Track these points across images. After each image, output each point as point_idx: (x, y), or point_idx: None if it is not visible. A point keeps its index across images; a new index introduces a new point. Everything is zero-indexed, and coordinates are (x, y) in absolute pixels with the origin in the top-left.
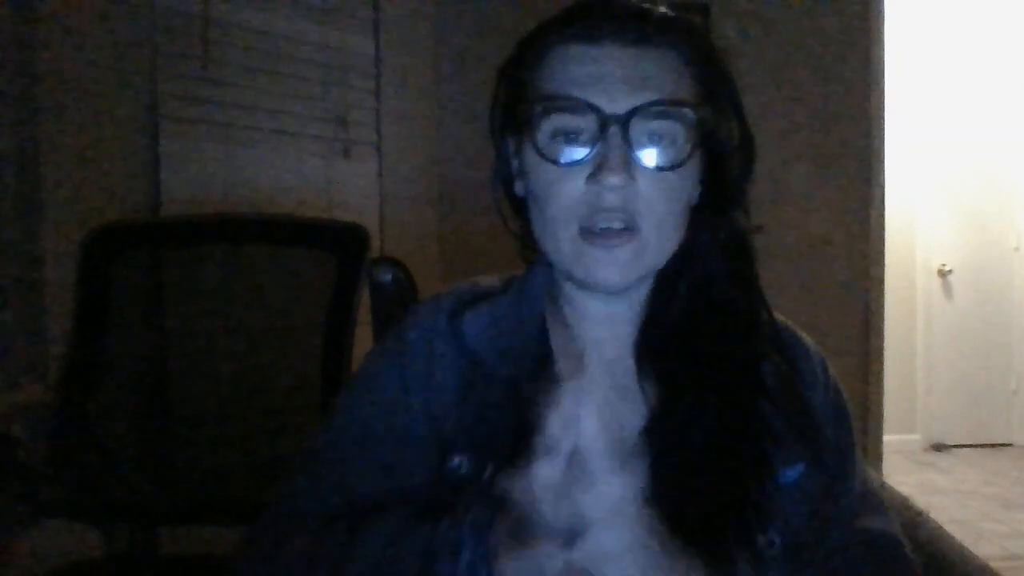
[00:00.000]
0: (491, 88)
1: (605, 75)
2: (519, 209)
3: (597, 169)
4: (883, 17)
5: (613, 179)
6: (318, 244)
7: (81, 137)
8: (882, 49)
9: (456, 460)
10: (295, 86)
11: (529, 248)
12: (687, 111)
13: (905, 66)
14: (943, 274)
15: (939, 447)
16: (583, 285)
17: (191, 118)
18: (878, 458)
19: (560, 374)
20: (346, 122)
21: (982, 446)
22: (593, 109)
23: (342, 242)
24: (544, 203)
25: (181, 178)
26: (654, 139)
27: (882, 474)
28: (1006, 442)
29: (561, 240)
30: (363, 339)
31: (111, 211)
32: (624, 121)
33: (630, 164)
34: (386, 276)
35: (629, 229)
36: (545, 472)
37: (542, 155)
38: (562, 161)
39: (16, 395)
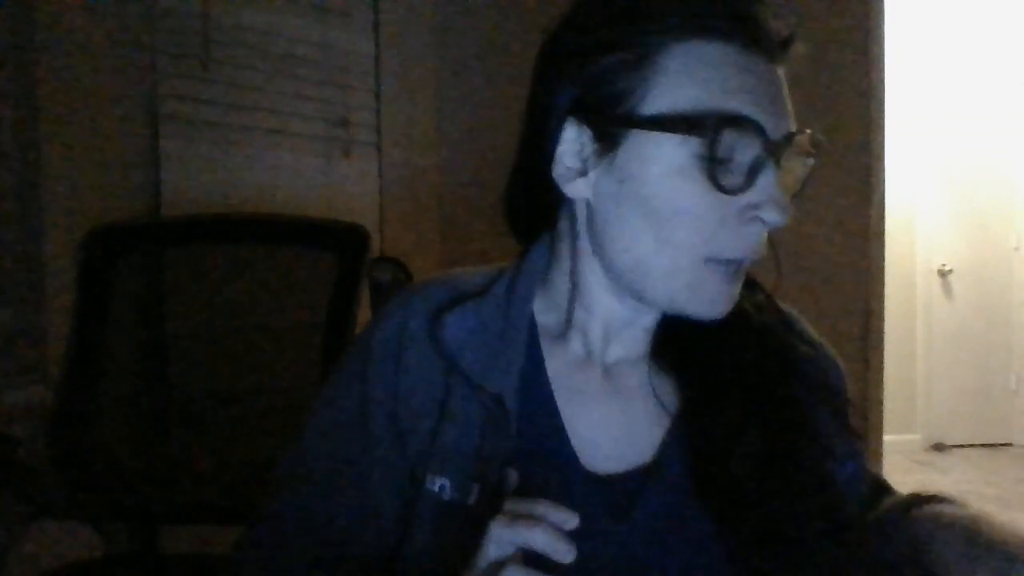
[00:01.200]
0: (490, 87)
1: (764, 92)
2: (549, 205)
3: (759, 202)
4: (883, 16)
5: (780, 218)
6: (318, 244)
7: (81, 137)
8: (882, 49)
9: (437, 483)
10: (295, 86)
11: (528, 243)
12: (823, 142)
13: (906, 63)
14: (943, 274)
15: (939, 447)
16: (682, 313)
17: (191, 118)
18: (878, 458)
19: (552, 383)
20: (346, 122)
21: (982, 446)
22: (759, 130)
23: (342, 242)
24: (672, 223)
25: (181, 178)
26: (794, 169)
27: (882, 474)
28: (1006, 442)
29: (682, 268)
30: None
31: (111, 211)
32: (782, 148)
33: (784, 197)
34: (386, 276)
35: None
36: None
37: (713, 178)
38: (727, 186)
39: (16, 395)
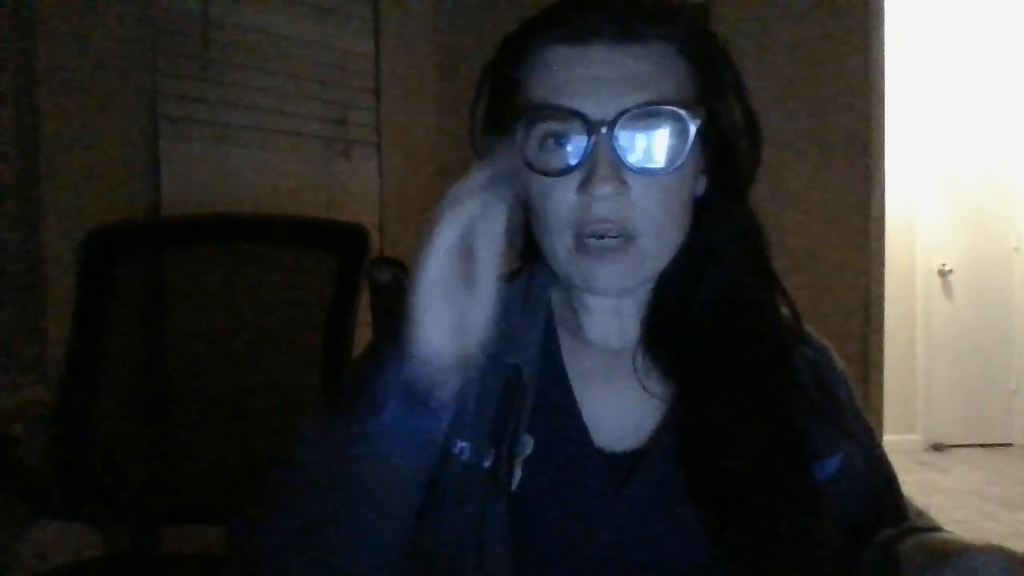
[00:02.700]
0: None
1: (590, 78)
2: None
3: (586, 178)
4: (883, 17)
5: (602, 188)
6: (318, 244)
7: (81, 137)
8: (882, 49)
9: (458, 446)
10: (295, 86)
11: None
12: (680, 111)
13: (905, 65)
14: (943, 274)
15: (939, 447)
16: (582, 291)
17: (191, 118)
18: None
19: (566, 365)
20: (346, 122)
21: (982, 446)
22: (578, 116)
23: (342, 242)
24: (538, 211)
25: (181, 178)
26: (645, 141)
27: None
28: (1006, 442)
29: (557, 248)
30: (363, 339)
31: (111, 211)
32: (611, 126)
33: (620, 171)
34: (386, 276)
35: (625, 238)
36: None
37: (531, 166)
38: (551, 170)
39: (16, 395)
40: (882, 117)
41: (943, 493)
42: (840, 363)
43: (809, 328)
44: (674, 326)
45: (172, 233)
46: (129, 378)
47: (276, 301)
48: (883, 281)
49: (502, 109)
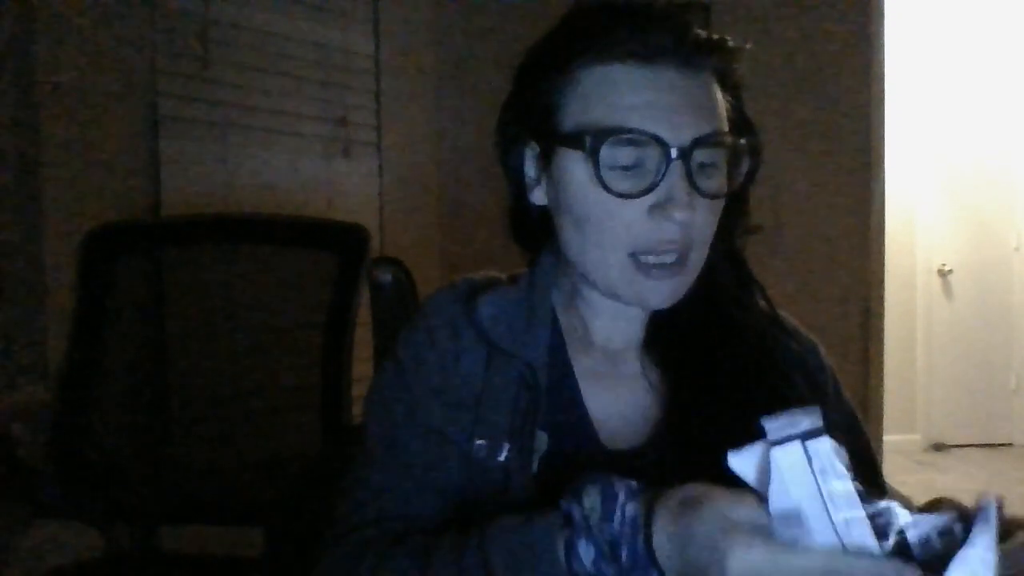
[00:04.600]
0: (490, 87)
1: (664, 104)
2: (530, 215)
3: (663, 203)
4: (883, 16)
5: (680, 214)
6: (318, 244)
7: (81, 137)
8: (882, 49)
9: (477, 443)
10: (295, 86)
11: (535, 252)
12: (741, 141)
13: (906, 65)
14: (943, 274)
15: (939, 447)
16: (627, 304)
17: (191, 118)
18: (878, 458)
19: (573, 362)
20: (346, 122)
21: (982, 446)
22: (657, 141)
23: (342, 242)
24: (592, 227)
25: (181, 178)
26: (706, 167)
27: (882, 474)
28: (1006, 442)
29: (610, 264)
30: (363, 339)
31: (111, 211)
32: (688, 152)
33: (693, 196)
34: (386, 276)
35: (680, 256)
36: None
37: (604, 186)
38: (623, 192)
39: (16, 395)
40: (882, 117)
41: (943, 493)
42: (828, 359)
43: (797, 323)
44: (672, 325)
45: (172, 233)
46: (129, 378)
47: (276, 301)
48: (883, 281)
49: (537, 120)
